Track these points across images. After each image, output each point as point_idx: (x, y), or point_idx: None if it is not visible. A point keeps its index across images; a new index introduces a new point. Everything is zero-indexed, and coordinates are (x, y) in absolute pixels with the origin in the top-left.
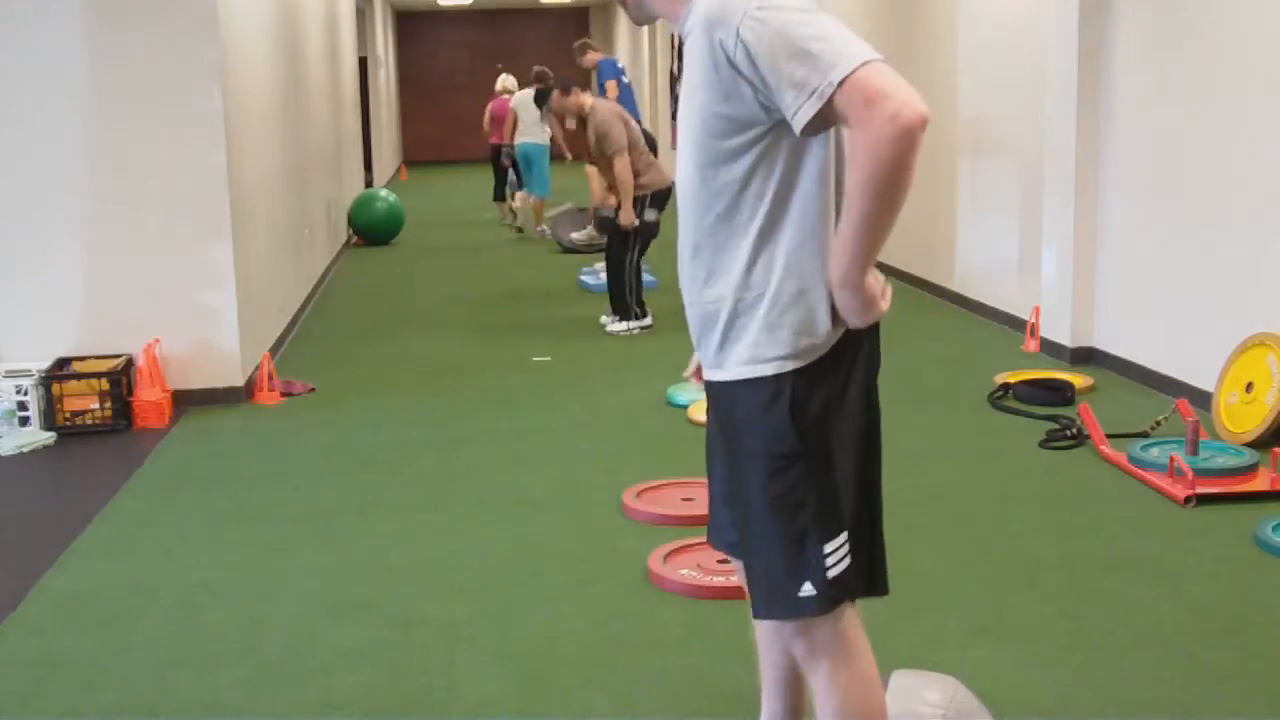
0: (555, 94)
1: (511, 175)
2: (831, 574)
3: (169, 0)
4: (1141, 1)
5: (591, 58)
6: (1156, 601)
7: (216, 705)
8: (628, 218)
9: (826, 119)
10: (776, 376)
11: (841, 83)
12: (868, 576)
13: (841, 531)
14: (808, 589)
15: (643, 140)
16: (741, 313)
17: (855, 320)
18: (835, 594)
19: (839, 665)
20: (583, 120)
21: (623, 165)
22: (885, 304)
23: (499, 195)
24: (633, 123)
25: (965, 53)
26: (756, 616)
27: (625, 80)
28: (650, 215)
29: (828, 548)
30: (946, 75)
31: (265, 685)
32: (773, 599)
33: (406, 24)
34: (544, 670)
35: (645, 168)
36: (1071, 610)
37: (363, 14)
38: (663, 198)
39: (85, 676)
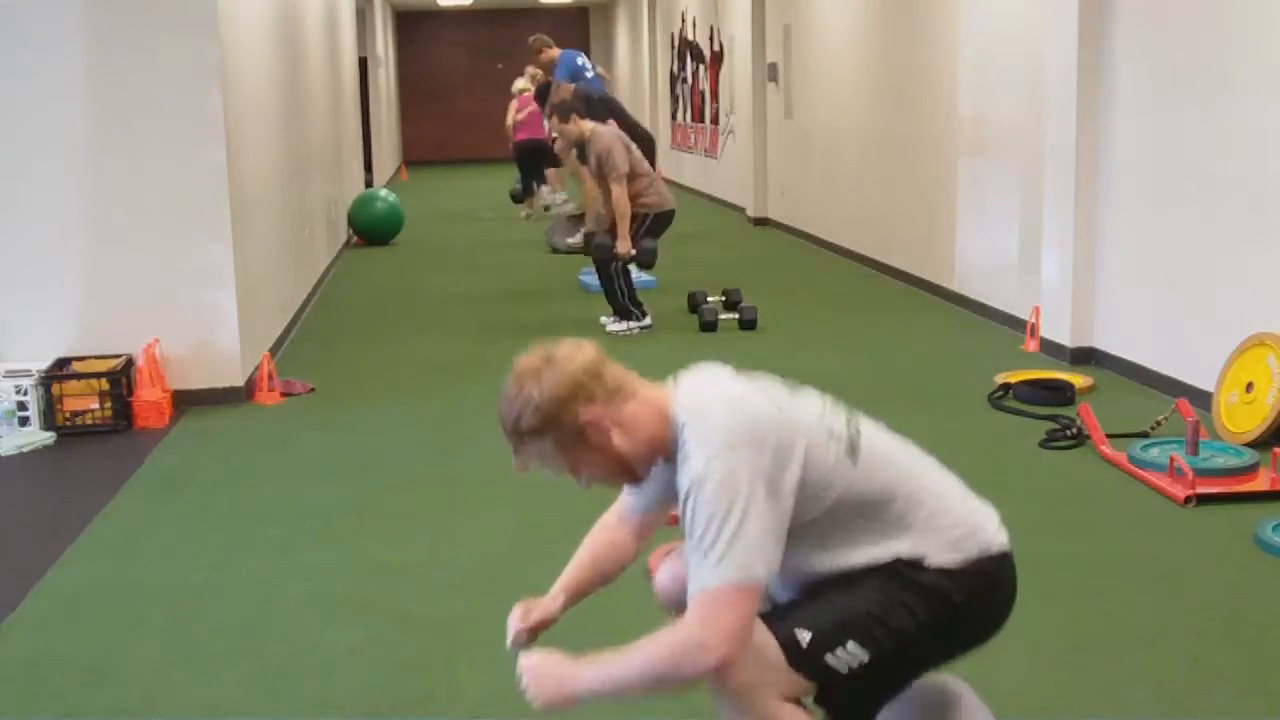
0: (554, 120)
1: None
2: (827, 659)
3: (169, 0)
4: (1141, 1)
5: (548, 55)
6: (1156, 601)
7: (216, 705)
8: (624, 247)
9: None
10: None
11: (705, 589)
12: (845, 703)
13: (869, 654)
14: (804, 635)
15: (646, 163)
16: None
17: (532, 697)
18: (810, 669)
19: (758, 708)
20: (582, 145)
21: (620, 193)
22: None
23: (528, 191)
24: (634, 147)
25: (965, 53)
26: (764, 622)
27: (589, 74)
28: (647, 243)
29: (851, 646)
30: (946, 75)
31: (265, 685)
32: (783, 619)
33: (406, 24)
34: None
35: (646, 189)
36: (1071, 610)
37: (363, 14)
38: (664, 220)
39: (85, 676)
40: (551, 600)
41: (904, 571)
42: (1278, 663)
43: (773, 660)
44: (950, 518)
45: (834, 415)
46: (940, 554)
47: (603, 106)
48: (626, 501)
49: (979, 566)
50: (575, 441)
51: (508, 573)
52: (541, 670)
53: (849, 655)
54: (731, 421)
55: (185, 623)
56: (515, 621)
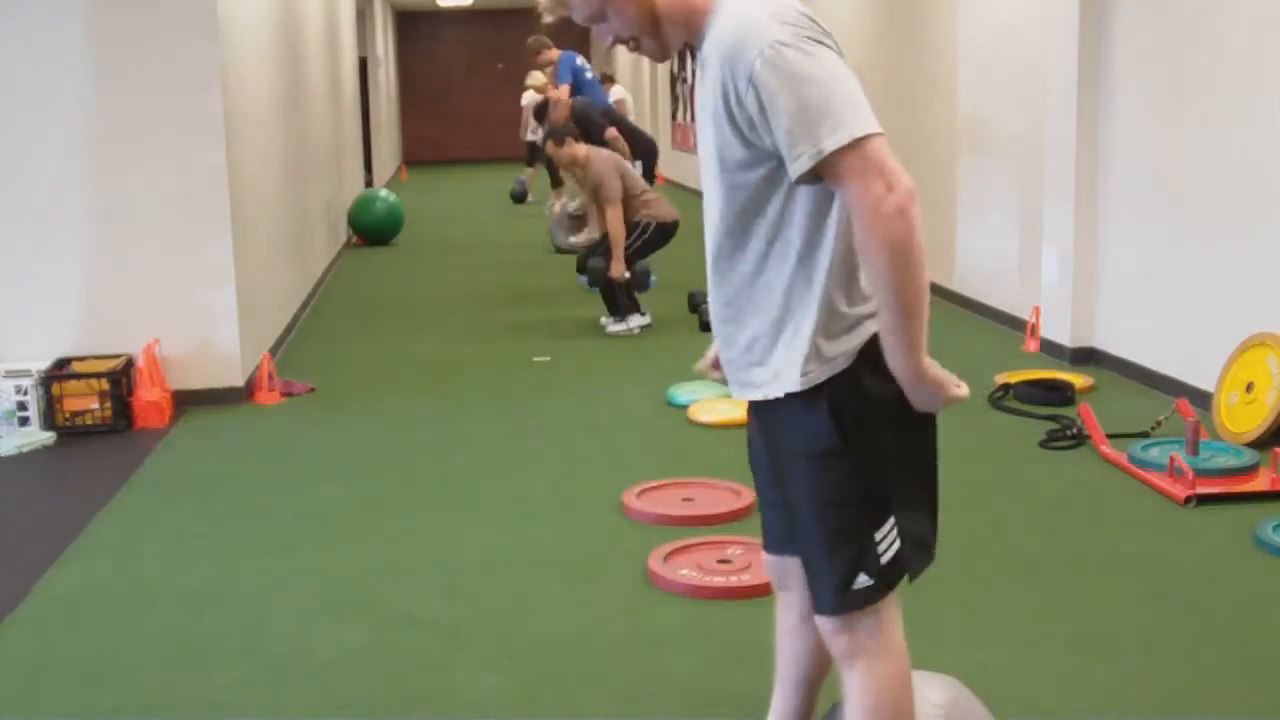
0: (550, 144)
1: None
2: (885, 559)
3: (169, 0)
4: (1141, 2)
5: (547, 56)
6: (1156, 601)
7: (217, 705)
8: (618, 271)
9: (821, 179)
10: (815, 387)
11: (841, 150)
12: (921, 547)
13: (889, 517)
14: (863, 579)
15: (643, 182)
16: (783, 339)
17: (932, 407)
18: (891, 578)
19: (875, 663)
20: (579, 169)
21: (614, 218)
22: (962, 390)
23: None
24: (631, 171)
25: (965, 53)
26: (821, 612)
27: (589, 74)
28: (640, 267)
29: (878, 535)
30: (946, 75)
31: (265, 685)
32: (838, 593)
33: (406, 24)
34: (544, 670)
35: (641, 206)
36: (1071, 610)
37: (363, 14)
38: (667, 233)
39: (85, 676)
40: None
41: (807, 429)
42: (1278, 663)
43: (858, 622)
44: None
45: None
46: (840, 347)
47: (604, 117)
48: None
49: (871, 345)
50: None
51: (508, 573)
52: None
53: (890, 537)
54: (781, 15)
55: (185, 623)
56: (710, 368)
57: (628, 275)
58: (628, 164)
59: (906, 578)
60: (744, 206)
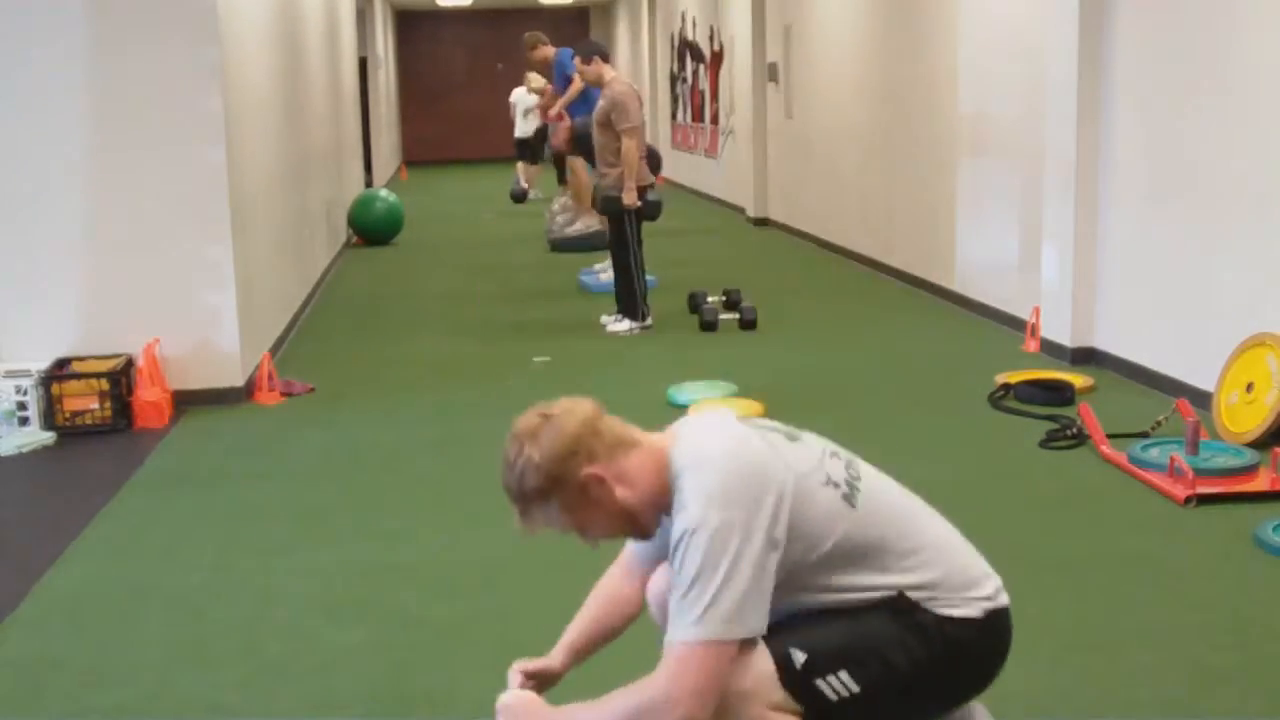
0: (576, 60)
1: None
2: (818, 684)
3: (169, 1)
4: (1142, 2)
5: (543, 52)
6: (1156, 601)
7: (217, 705)
8: (630, 198)
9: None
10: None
11: (682, 641)
12: None
13: (860, 686)
14: (799, 656)
15: (645, 138)
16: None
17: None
18: (800, 690)
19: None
20: (600, 86)
21: (630, 145)
22: None
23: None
24: (643, 115)
25: (965, 53)
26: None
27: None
28: (652, 195)
29: (844, 675)
30: (946, 75)
31: (265, 685)
32: (780, 637)
33: (406, 24)
34: None
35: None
36: (1071, 610)
37: (363, 14)
38: (653, 208)
39: (85, 676)
40: (551, 659)
41: (908, 611)
42: (1278, 663)
43: (765, 674)
44: (952, 569)
45: (833, 461)
46: (944, 600)
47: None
48: (632, 552)
49: (982, 618)
50: (580, 500)
51: (507, 573)
52: (516, 712)
53: (840, 684)
54: (727, 474)
55: (185, 623)
56: (514, 677)
57: (640, 204)
58: (642, 99)
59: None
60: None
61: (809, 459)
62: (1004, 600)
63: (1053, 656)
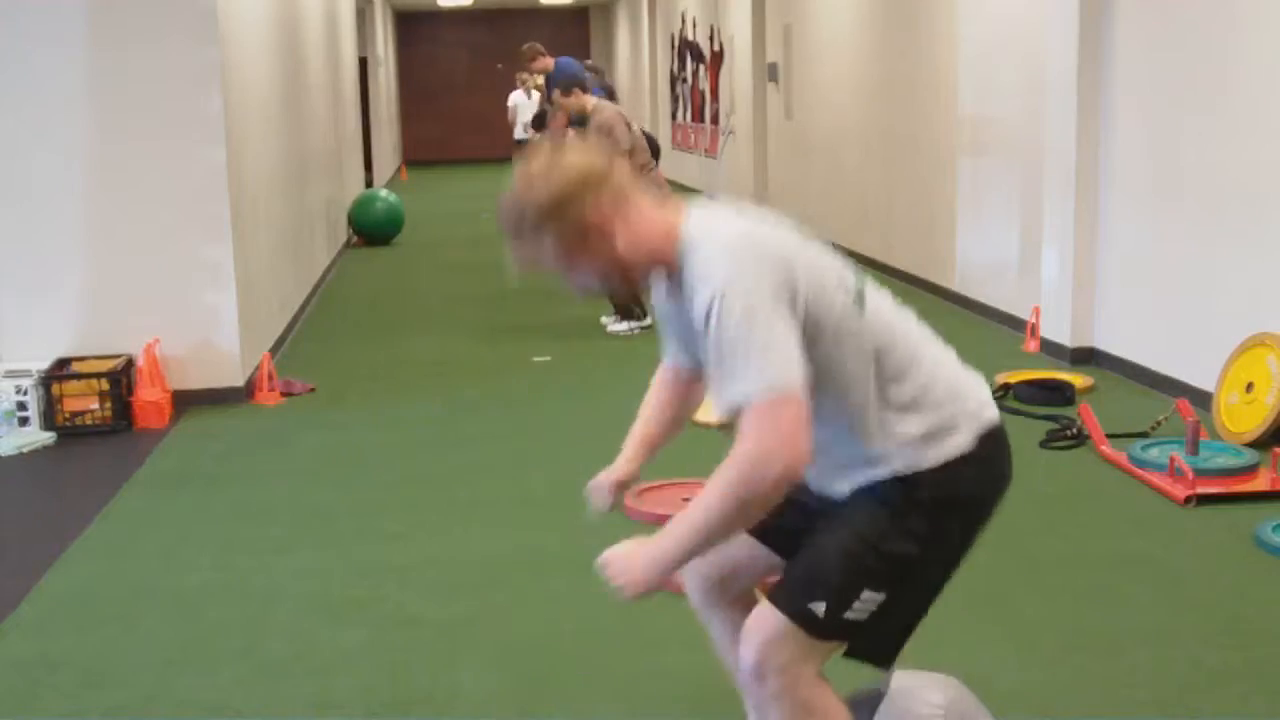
0: (556, 93)
1: None
2: (848, 615)
3: (169, 1)
4: (1141, 1)
5: (542, 63)
6: (1156, 601)
7: (216, 705)
8: None
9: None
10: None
11: (750, 399)
12: (880, 647)
13: (884, 591)
14: (819, 607)
15: (644, 141)
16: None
17: (628, 586)
18: (835, 631)
19: (791, 693)
20: (582, 121)
21: None
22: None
23: None
24: (634, 127)
25: (965, 53)
26: (772, 599)
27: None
28: None
29: (865, 593)
30: (946, 75)
31: (265, 685)
32: (794, 591)
33: (406, 24)
34: (544, 670)
35: (640, 170)
36: (1071, 610)
37: (363, 14)
38: None
39: (85, 676)
40: (626, 462)
41: (897, 496)
42: (1278, 663)
43: (796, 640)
44: (946, 382)
45: (843, 267)
46: (936, 440)
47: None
48: (674, 356)
49: (973, 449)
50: (577, 240)
51: (508, 573)
52: (625, 557)
53: (865, 603)
54: (744, 245)
55: (185, 623)
56: (597, 484)
57: None
58: (631, 120)
59: (843, 649)
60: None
61: (821, 256)
62: (993, 415)
63: (1053, 656)
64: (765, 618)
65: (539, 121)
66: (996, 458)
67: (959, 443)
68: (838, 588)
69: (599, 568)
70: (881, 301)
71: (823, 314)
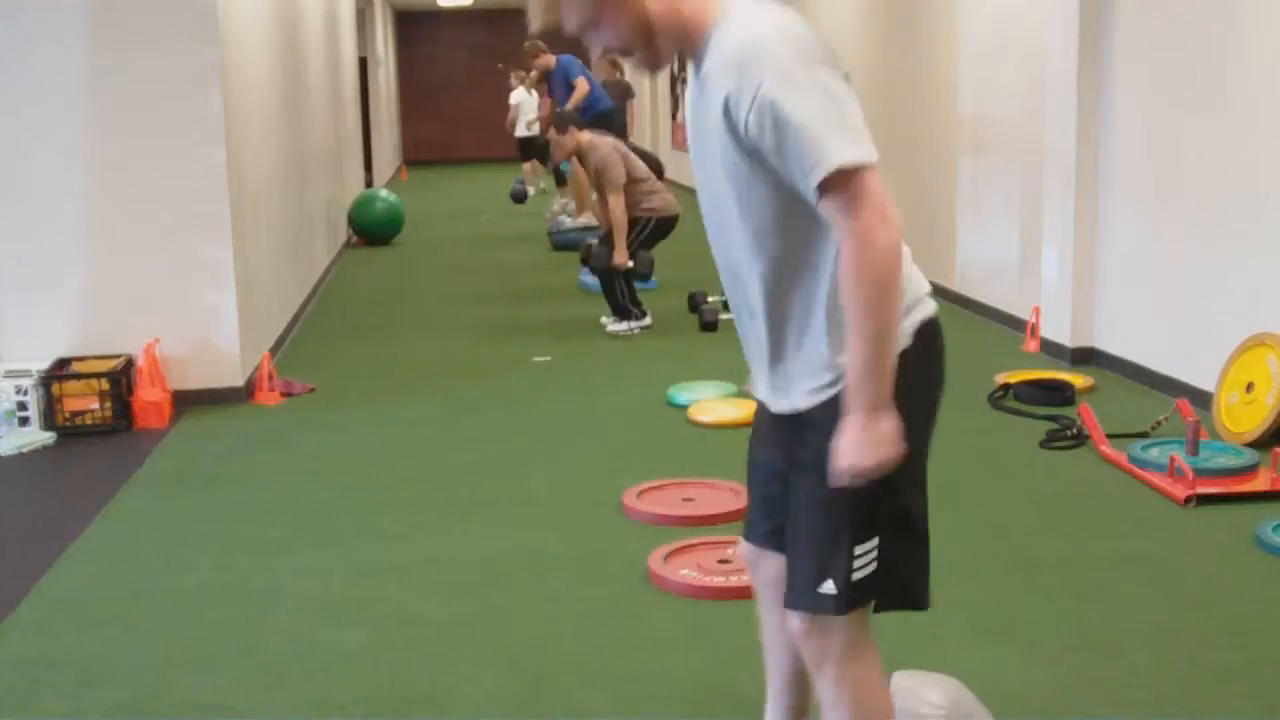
0: (552, 132)
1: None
2: (855, 576)
3: (169, 1)
4: (1141, 1)
5: (544, 60)
6: (1156, 601)
7: (216, 705)
8: (620, 258)
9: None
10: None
11: (836, 177)
12: (905, 589)
13: (874, 536)
14: (829, 586)
15: (644, 168)
16: (814, 347)
17: (871, 454)
18: (855, 597)
19: (846, 671)
20: (581, 156)
21: (616, 204)
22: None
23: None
24: (631, 155)
25: (965, 53)
26: (788, 606)
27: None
28: (644, 255)
29: (858, 549)
30: (946, 75)
31: (265, 685)
32: (799, 589)
33: (406, 24)
34: (544, 670)
35: (646, 195)
36: (1071, 610)
37: (363, 14)
38: (667, 226)
39: (85, 676)
40: None
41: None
42: (1278, 663)
43: (832, 628)
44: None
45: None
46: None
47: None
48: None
49: (910, 345)
50: None
51: (508, 573)
52: (855, 442)
53: (864, 557)
54: (787, 33)
55: (185, 623)
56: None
57: (630, 264)
58: (628, 150)
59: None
60: (757, 225)
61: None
62: (932, 308)
63: (1053, 656)
64: (796, 626)
65: (543, 155)
66: (932, 361)
67: (902, 341)
68: (832, 561)
69: (845, 476)
70: None
71: None
